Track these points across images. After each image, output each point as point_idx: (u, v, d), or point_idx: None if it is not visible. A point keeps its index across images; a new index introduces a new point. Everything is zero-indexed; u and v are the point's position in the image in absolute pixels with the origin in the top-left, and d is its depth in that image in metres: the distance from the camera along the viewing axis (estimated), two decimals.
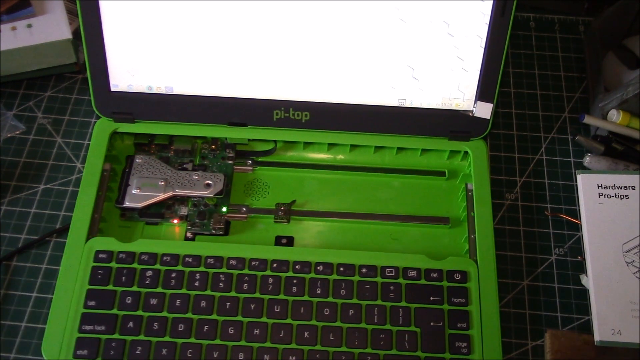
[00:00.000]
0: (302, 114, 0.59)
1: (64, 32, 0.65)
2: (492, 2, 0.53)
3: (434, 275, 0.54)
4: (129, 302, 0.53)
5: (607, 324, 0.53)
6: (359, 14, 0.54)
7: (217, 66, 0.57)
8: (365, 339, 0.52)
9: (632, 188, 0.58)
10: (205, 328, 0.52)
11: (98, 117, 0.60)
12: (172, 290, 0.53)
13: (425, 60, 0.56)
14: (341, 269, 0.54)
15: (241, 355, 0.51)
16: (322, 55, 0.56)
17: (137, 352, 0.51)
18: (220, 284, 0.54)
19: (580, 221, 0.58)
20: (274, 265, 0.55)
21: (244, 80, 0.58)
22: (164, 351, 0.51)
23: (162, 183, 0.58)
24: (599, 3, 0.74)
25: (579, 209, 0.59)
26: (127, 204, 0.57)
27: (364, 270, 0.54)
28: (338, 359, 0.51)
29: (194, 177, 0.59)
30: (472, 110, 0.59)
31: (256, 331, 0.52)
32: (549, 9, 0.75)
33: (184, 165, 0.61)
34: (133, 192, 0.57)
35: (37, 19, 0.66)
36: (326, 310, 0.53)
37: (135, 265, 0.54)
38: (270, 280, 0.54)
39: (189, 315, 0.52)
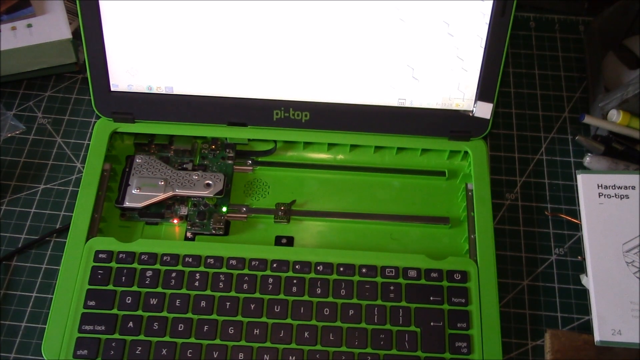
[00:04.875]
0: (302, 114, 0.59)
1: (64, 32, 0.65)
2: (492, 2, 0.53)
3: (434, 275, 0.54)
4: (129, 302, 0.53)
5: (607, 324, 0.53)
6: (359, 14, 0.54)
7: (217, 66, 0.57)
8: (365, 339, 0.52)
9: (632, 188, 0.58)
10: (205, 328, 0.52)
11: (98, 117, 0.60)
12: (172, 290, 0.53)
13: (425, 60, 0.56)
14: (341, 269, 0.54)
15: (241, 355, 0.51)
16: (322, 55, 0.56)
17: (137, 352, 0.51)
18: (220, 284, 0.54)
19: (580, 221, 0.58)
20: (274, 265, 0.55)
21: (244, 80, 0.58)
22: (164, 351, 0.51)
23: (162, 183, 0.58)
24: (599, 3, 0.74)
25: (579, 209, 0.59)
26: (127, 204, 0.57)
27: (364, 270, 0.54)
28: (338, 359, 0.51)
29: (194, 177, 0.59)
30: (472, 110, 0.59)
31: (256, 331, 0.52)
32: (549, 9, 0.75)
33: (184, 165, 0.61)
34: (133, 192, 0.57)
35: (37, 19, 0.66)
36: (326, 310, 0.53)
37: (135, 265, 0.54)
38: (270, 280, 0.54)
39: (189, 315, 0.52)
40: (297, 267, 0.54)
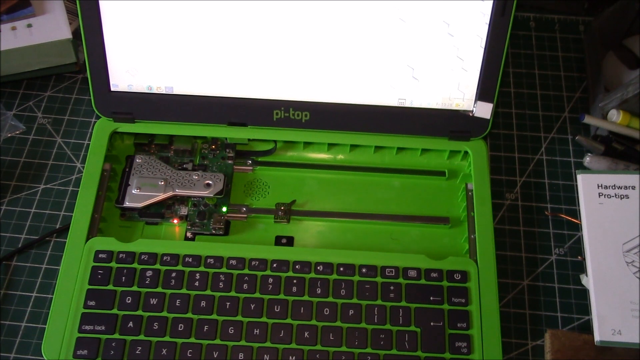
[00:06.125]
0: (302, 114, 0.59)
1: (64, 32, 0.65)
2: (492, 2, 0.53)
3: (434, 275, 0.54)
4: (129, 302, 0.53)
5: (607, 324, 0.53)
6: (359, 14, 0.54)
7: (217, 66, 0.57)
8: (365, 339, 0.52)
9: (632, 188, 0.58)
10: (205, 328, 0.52)
11: (98, 117, 0.60)
12: (172, 290, 0.53)
13: (425, 60, 0.56)
14: (341, 269, 0.54)
15: (241, 355, 0.51)
16: (322, 55, 0.56)
17: (137, 352, 0.51)
18: (220, 284, 0.54)
19: (580, 221, 0.58)
20: (274, 265, 0.55)
21: (244, 80, 0.58)
22: (164, 351, 0.51)
23: (162, 183, 0.58)
24: (599, 3, 0.74)
25: (579, 209, 0.59)
26: (127, 204, 0.57)
27: (364, 270, 0.54)
28: (338, 359, 0.51)
29: (194, 177, 0.59)
30: (472, 110, 0.59)
31: (256, 331, 0.52)
32: (549, 9, 0.75)
33: (184, 165, 0.61)
34: (133, 192, 0.57)
35: (37, 19, 0.66)
36: (326, 310, 0.53)
37: (135, 265, 0.54)
38: (270, 280, 0.54)
39: (189, 315, 0.52)
40: (297, 267, 0.54)
